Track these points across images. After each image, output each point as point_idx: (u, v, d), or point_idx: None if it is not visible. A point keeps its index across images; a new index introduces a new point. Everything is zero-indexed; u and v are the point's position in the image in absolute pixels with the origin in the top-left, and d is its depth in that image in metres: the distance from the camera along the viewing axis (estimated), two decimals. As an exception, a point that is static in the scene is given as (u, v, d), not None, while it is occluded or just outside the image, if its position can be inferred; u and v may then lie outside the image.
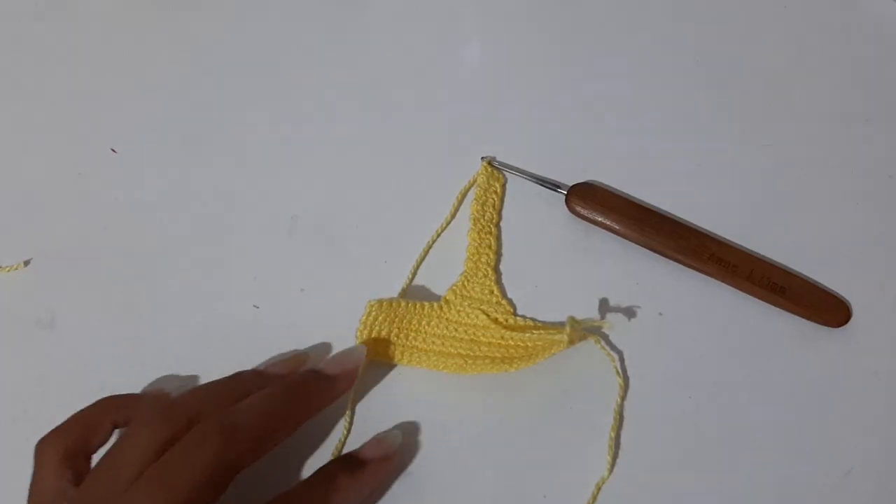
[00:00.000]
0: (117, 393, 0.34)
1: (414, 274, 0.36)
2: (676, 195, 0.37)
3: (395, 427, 0.33)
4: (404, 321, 0.34)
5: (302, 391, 0.31)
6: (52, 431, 0.30)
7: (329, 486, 0.29)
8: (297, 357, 0.34)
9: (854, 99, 0.40)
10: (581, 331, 0.33)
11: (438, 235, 0.37)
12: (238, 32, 0.44)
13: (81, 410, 0.31)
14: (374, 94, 0.41)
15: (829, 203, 0.37)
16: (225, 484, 0.28)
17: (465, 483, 0.32)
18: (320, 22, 0.44)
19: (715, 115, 0.40)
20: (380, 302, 0.34)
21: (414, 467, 0.32)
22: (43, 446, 0.30)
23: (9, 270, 0.37)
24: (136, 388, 0.31)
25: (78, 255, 0.38)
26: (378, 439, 0.32)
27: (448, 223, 0.37)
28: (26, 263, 0.38)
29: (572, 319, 0.32)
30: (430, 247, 0.37)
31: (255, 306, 0.36)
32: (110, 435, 0.31)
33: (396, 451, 0.32)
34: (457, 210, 0.38)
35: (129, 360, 0.35)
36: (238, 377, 0.32)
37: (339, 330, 0.35)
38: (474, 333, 0.34)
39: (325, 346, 0.35)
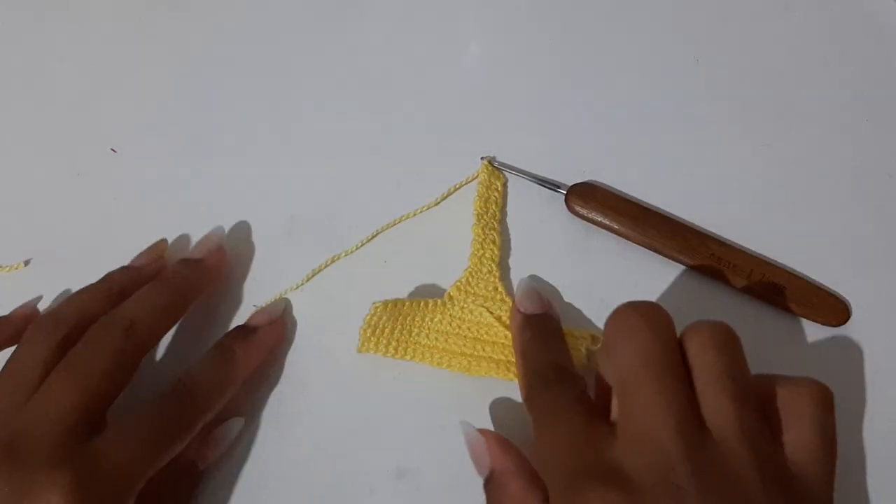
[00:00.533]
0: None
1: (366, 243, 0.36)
2: (676, 195, 0.37)
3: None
4: (407, 318, 0.34)
5: (178, 278, 0.34)
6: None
7: (227, 356, 0.32)
8: (157, 245, 0.36)
9: (854, 99, 0.40)
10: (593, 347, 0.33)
11: (415, 214, 0.37)
12: (238, 32, 0.44)
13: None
14: (374, 94, 0.41)
15: (829, 203, 0.37)
16: (133, 369, 0.30)
17: (467, 484, 0.32)
18: (320, 21, 0.44)
19: (715, 114, 0.40)
20: (385, 303, 0.34)
21: (415, 468, 0.32)
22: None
23: (9, 270, 0.37)
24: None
25: (78, 255, 0.38)
26: (263, 308, 0.35)
27: (428, 208, 0.37)
28: (26, 263, 0.38)
29: (592, 336, 0.33)
30: (397, 221, 0.37)
31: (254, 306, 0.36)
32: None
33: (282, 315, 0.35)
34: (442, 199, 0.38)
35: (129, 360, 0.35)
36: (109, 278, 0.34)
37: (339, 330, 0.35)
38: (478, 331, 0.34)
39: (324, 345, 0.35)
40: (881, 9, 0.42)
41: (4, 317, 0.34)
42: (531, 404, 0.29)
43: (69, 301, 0.32)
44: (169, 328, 0.33)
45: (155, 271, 0.35)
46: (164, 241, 0.37)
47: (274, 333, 0.35)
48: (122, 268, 0.35)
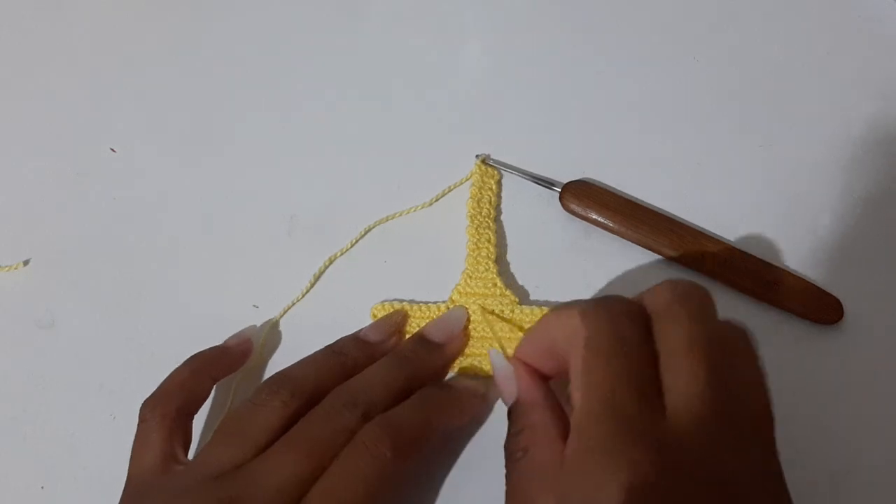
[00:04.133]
0: (117, 392, 0.34)
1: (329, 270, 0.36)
2: (671, 193, 0.37)
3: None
4: (412, 323, 0.34)
5: (417, 362, 0.32)
6: (158, 394, 0.30)
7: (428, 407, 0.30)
8: (394, 318, 0.34)
9: (853, 99, 0.40)
10: None
11: (409, 212, 0.38)
12: (238, 32, 0.44)
13: (178, 371, 0.31)
14: (372, 94, 0.41)
15: (823, 202, 0.37)
16: None
17: (470, 484, 0.32)
18: (319, 21, 0.44)
19: (711, 113, 0.40)
20: (383, 305, 0.35)
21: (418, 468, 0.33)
22: (150, 409, 0.30)
23: (9, 270, 0.38)
24: (136, 388, 0.31)
25: (78, 255, 0.38)
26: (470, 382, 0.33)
27: (421, 208, 0.38)
28: (26, 263, 0.38)
29: None
30: (390, 218, 0.37)
31: (254, 306, 0.36)
32: (210, 393, 0.32)
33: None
34: (437, 199, 0.38)
35: (129, 360, 0.35)
36: (342, 350, 0.32)
37: (339, 330, 0.35)
38: (483, 330, 0.34)
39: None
40: (881, 9, 0.42)
41: (223, 349, 0.33)
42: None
43: (303, 369, 0.31)
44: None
45: (390, 348, 0.33)
46: (401, 313, 0.34)
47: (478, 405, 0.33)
48: (356, 339, 0.33)
